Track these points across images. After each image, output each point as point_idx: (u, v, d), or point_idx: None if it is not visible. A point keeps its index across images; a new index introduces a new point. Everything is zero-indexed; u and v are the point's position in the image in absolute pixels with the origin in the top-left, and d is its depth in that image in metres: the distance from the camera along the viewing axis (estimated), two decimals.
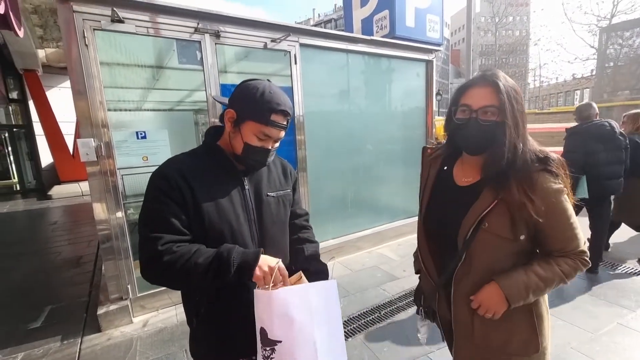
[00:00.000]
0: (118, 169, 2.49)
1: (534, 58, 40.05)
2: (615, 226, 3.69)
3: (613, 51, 10.32)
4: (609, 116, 9.47)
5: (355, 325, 2.48)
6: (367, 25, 4.29)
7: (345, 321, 2.54)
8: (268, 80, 1.00)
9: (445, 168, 1.07)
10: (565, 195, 0.90)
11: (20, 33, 5.41)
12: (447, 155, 1.08)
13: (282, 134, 0.98)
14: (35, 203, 8.71)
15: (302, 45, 3.23)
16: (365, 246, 4.00)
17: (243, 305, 0.97)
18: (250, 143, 0.95)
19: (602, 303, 2.61)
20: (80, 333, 2.52)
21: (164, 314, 2.72)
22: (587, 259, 0.93)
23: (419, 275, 1.21)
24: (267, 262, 0.87)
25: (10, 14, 4.58)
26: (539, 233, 0.92)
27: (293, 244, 1.16)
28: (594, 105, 3.16)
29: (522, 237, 0.90)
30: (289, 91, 3.23)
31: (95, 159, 2.37)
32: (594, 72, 17.33)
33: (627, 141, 2.94)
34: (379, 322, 2.50)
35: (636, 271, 3.17)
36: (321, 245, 3.58)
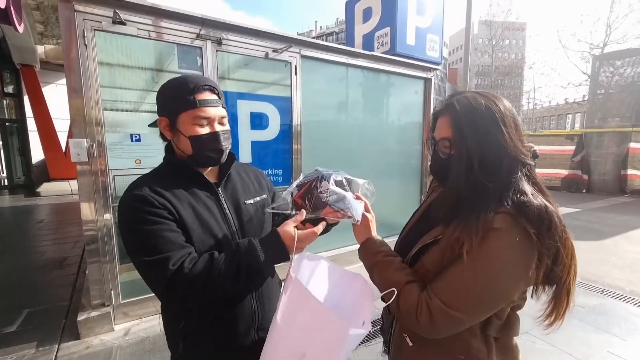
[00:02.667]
0: (110, 169, 2.44)
1: (529, 81, 41.09)
2: None
3: (605, 78, 10.58)
4: (601, 141, 9.73)
5: None
6: (369, 40, 4.35)
7: None
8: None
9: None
10: (513, 256, 0.69)
11: (20, 28, 5.38)
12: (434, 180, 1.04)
13: (220, 110, 0.92)
14: (23, 200, 8.53)
15: (303, 56, 3.25)
16: (357, 260, 3.95)
17: (232, 323, 0.94)
18: (194, 134, 0.89)
19: (592, 329, 2.60)
20: (57, 340, 2.41)
21: (147, 322, 2.63)
22: (433, 322, 0.73)
23: None
24: (289, 233, 0.85)
25: (12, 8, 4.56)
26: (448, 265, 0.76)
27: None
28: None
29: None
30: (288, 101, 3.23)
31: (87, 160, 2.32)
32: (585, 98, 17.80)
33: None
34: (368, 341, 2.45)
35: (624, 296, 3.17)
36: None
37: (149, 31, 2.48)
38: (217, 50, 2.77)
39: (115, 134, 2.50)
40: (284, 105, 3.22)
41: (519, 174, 0.76)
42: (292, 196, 0.92)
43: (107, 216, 2.43)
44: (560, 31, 27.31)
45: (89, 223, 2.38)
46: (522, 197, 0.73)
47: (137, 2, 2.37)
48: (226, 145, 0.95)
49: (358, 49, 3.99)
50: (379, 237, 0.96)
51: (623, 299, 3.15)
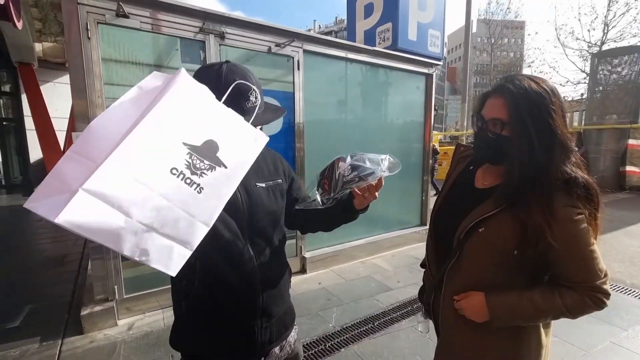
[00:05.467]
0: None
1: None
2: None
3: (603, 77, 10.63)
4: (600, 138, 9.77)
5: (348, 336, 2.42)
6: (370, 36, 4.35)
7: (338, 331, 2.49)
8: None
9: (471, 168, 1.05)
10: (585, 224, 0.81)
11: (19, 25, 5.35)
12: (475, 156, 1.06)
13: None
14: (21, 199, 8.48)
15: (305, 51, 3.25)
16: (359, 255, 3.96)
17: (234, 284, 0.93)
18: None
19: (595, 321, 2.61)
20: (60, 334, 2.41)
21: (151, 317, 2.62)
22: (601, 297, 0.82)
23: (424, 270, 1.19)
24: None
25: (10, 5, 4.53)
26: (551, 258, 0.84)
27: (304, 215, 1.11)
28: None
29: (515, 252, 0.84)
30: (290, 98, 3.23)
31: None
32: (584, 96, 17.87)
33: None
34: (372, 334, 2.45)
35: (625, 289, 3.19)
36: (316, 253, 3.61)
37: (151, 24, 2.47)
38: (219, 45, 2.76)
39: None
40: (286, 101, 3.22)
41: (571, 157, 0.84)
42: (318, 184, 0.93)
43: None
44: (559, 29, 27.22)
45: None
46: (573, 175, 0.82)
47: None
48: None
49: (359, 43, 3.99)
50: (488, 297, 0.89)
51: (624, 292, 3.17)
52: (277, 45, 3.06)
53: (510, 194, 0.85)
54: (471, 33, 12.40)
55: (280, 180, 1.07)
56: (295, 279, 3.35)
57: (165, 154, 0.62)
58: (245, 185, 0.97)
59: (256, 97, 0.89)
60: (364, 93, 3.91)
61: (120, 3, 2.26)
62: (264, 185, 1.01)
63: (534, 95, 0.82)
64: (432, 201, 4.89)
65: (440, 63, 4.39)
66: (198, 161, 0.65)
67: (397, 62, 3.97)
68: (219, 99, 0.75)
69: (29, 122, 9.33)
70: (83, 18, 2.21)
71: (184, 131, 0.65)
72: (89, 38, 2.22)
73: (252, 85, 0.87)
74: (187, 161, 0.64)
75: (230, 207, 0.90)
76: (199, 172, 0.65)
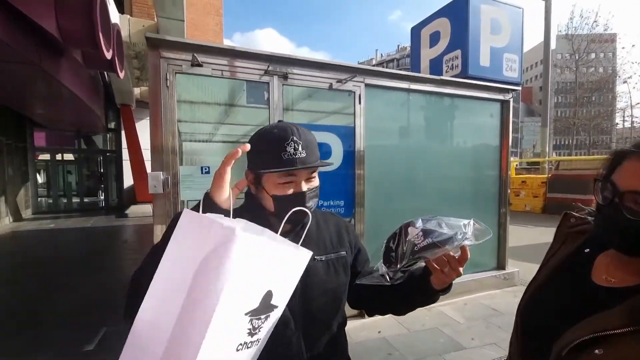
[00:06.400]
0: (181, 200, 2.57)
1: (624, 96, 35.86)
2: None
3: None
4: None
5: None
6: (436, 65, 4.16)
7: None
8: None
9: (587, 251, 0.76)
10: None
11: (121, 74, 6.34)
12: (595, 236, 0.77)
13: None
14: (114, 220, 9.71)
15: (367, 85, 3.18)
16: None
17: None
18: (278, 194, 0.80)
19: None
20: None
21: None
22: None
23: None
24: None
25: (116, 59, 5.38)
26: None
27: (369, 293, 0.93)
28: None
29: None
30: (351, 130, 3.15)
31: (162, 192, 2.47)
32: None
33: None
34: None
35: None
36: None
37: (221, 70, 2.64)
38: (283, 84, 2.83)
39: (188, 166, 2.65)
40: (347, 135, 3.14)
41: None
42: (384, 256, 0.78)
43: None
44: None
45: None
46: None
47: (212, 45, 2.56)
48: (312, 204, 0.84)
49: (424, 73, 3.80)
50: None
51: None
52: (339, 81, 3.04)
53: None
54: (551, 50, 11.27)
55: (344, 253, 0.92)
56: (352, 324, 3.10)
57: (232, 336, 0.58)
58: None
59: (295, 149, 0.79)
60: (430, 123, 3.66)
61: (195, 54, 2.46)
62: (323, 258, 0.87)
63: None
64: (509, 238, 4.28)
65: (519, 88, 3.96)
66: (257, 321, 0.60)
67: (466, 89, 3.68)
68: (259, 160, 0.77)
69: (125, 154, 10.90)
70: (164, 69, 2.45)
71: (245, 301, 0.59)
72: (167, 87, 2.44)
73: (292, 136, 0.79)
74: (249, 328, 0.59)
75: None
76: (257, 330, 0.61)
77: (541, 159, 12.88)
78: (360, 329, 3.08)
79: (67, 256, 5.83)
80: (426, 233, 0.73)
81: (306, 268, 0.82)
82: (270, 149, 0.79)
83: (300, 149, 0.79)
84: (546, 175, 11.20)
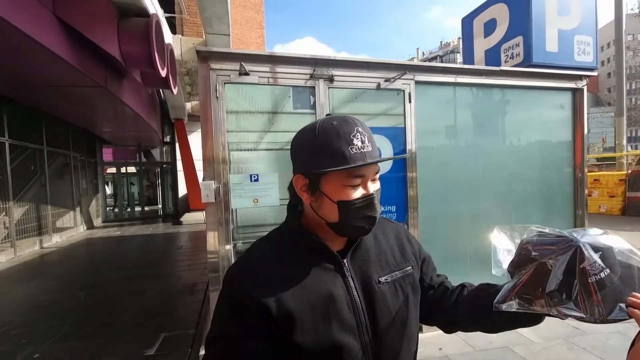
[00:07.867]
0: (232, 208, 2.59)
1: None
2: None
3: None
4: None
5: None
6: (493, 55, 3.79)
7: None
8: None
9: None
10: None
11: (175, 91, 6.76)
12: None
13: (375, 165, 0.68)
14: (171, 227, 10.37)
15: (417, 82, 2.98)
16: None
17: None
18: (346, 199, 0.65)
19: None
20: None
21: None
22: None
23: None
24: None
25: (170, 76, 5.74)
26: None
27: (443, 304, 0.80)
28: None
29: None
30: (401, 131, 2.97)
31: (214, 200, 2.50)
32: None
33: None
34: None
35: None
36: None
37: (267, 78, 2.63)
38: (329, 87, 2.75)
39: (238, 174, 2.67)
40: (397, 136, 2.96)
41: None
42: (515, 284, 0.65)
43: (228, 247, 2.56)
44: None
45: (213, 252, 2.54)
46: None
47: (258, 52, 2.56)
48: (379, 210, 0.70)
49: (479, 65, 3.49)
50: None
51: None
52: (387, 80, 2.88)
53: None
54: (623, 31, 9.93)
55: (409, 268, 0.76)
56: None
57: None
58: (365, 283, 0.70)
59: (362, 141, 0.65)
60: (487, 118, 3.33)
61: (242, 63, 2.47)
62: (389, 278, 0.72)
63: None
64: None
65: (595, 73, 3.46)
66: None
67: (530, 79, 3.29)
68: (317, 160, 0.64)
69: (179, 165, 11.67)
70: (213, 80, 2.49)
71: None
72: (217, 98, 2.48)
73: (357, 127, 0.65)
74: None
75: (345, 326, 0.65)
76: None
77: (617, 153, 11.34)
78: (419, 345, 2.85)
79: (133, 262, 6.30)
80: (603, 272, 0.58)
81: (372, 293, 0.69)
82: (333, 144, 0.64)
83: (366, 141, 0.65)
84: (625, 172, 9.86)
